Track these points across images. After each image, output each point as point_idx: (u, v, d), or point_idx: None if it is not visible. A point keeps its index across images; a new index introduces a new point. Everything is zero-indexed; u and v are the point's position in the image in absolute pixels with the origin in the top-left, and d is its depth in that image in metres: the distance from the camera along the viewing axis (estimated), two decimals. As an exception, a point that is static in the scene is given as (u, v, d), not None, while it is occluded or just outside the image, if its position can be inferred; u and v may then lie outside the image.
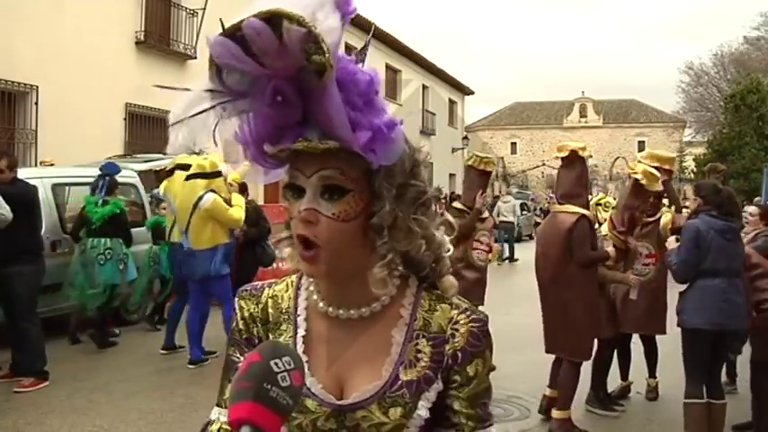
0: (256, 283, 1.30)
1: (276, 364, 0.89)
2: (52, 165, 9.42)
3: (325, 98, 1.00)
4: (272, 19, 0.96)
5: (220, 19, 1.02)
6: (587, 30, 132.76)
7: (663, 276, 5.66)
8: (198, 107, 1.06)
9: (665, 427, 5.08)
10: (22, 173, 8.15)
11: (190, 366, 6.52)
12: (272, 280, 1.30)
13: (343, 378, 1.17)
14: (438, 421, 1.19)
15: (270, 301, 1.24)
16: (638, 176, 5.08)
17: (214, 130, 1.08)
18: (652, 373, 5.78)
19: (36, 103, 12.13)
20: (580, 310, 4.71)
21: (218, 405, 1.24)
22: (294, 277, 1.26)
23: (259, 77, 1.01)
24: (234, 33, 0.99)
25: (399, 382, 1.15)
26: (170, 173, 6.73)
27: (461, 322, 1.17)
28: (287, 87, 1.01)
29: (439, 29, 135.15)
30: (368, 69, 1.07)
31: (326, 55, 0.96)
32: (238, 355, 1.23)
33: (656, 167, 5.36)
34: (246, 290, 1.28)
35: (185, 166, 6.51)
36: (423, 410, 1.14)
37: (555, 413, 4.78)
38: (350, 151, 1.03)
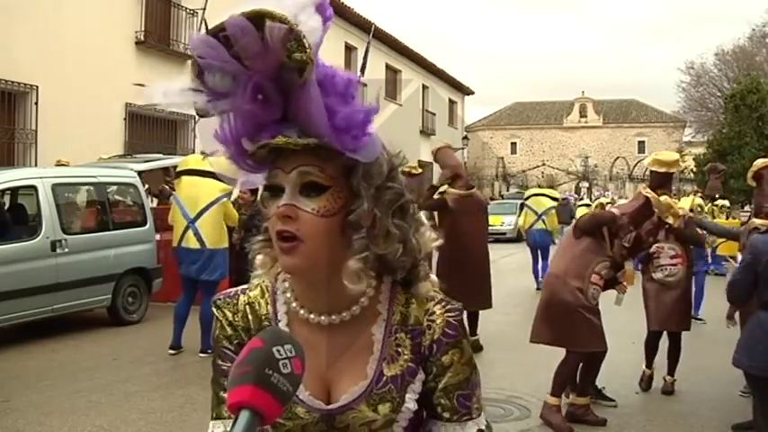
0: (229, 290, 1.28)
1: (278, 350, 0.89)
2: (68, 164, 9.47)
3: (305, 95, 1.02)
4: (255, 19, 0.98)
5: (204, 19, 1.03)
6: (574, 32, 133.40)
7: (689, 275, 5.82)
8: (177, 99, 1.08)
9: (665, 426, 5.07)
10: (22, 173, 8.19)
11: (202, 355, 6.68)
12: (245, 285, 1.27)
13: (329, 382, 1.18)
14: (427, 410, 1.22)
15: (247, 307, 1.23)
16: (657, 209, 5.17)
17: (194, 128, 1.10)
18: (671, 371, 5.81)
19: (36, 103, 12.15)
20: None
21: (216, 418, 1.20)
22: (268, 282, 1.24)
23: (240, 77, 1.03)
24: (216, 34, 1.01)
25: (384, 378, 1.16)
26: (177, 176, 6.82)
27: (437, 313, 1.18)
28: (268, 85, 1.03)
29: (422, 30, 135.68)
30: (347, 72, 1.10)
31: (307, 51, 0.99)
32: (228, 365, 1.19)
33: (663, 173, 5.55)
34: (220, 298, 1.26)
35: (195, 172, 6.63)
36: (410, 403, 1.16)
37: (551, 399, 4.88)
38: (328, 149, 1.06)
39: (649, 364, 5.89)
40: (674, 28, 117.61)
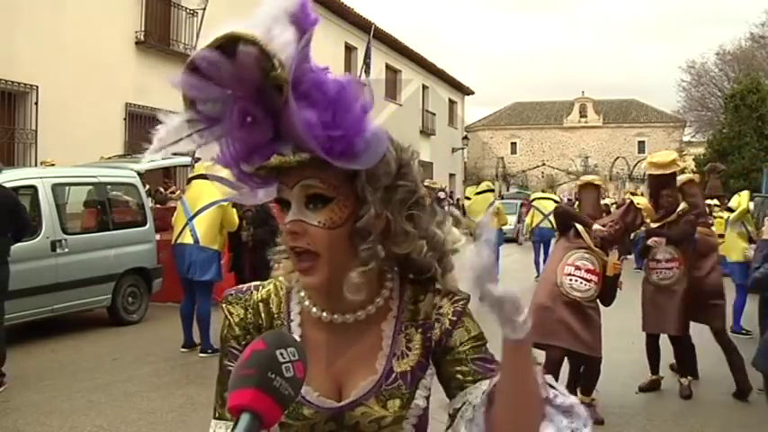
0: (241, 286, 1.26)
1: (281, 353, 0.88)
2: (53, 165, 9.44)
3: (289, 111, 1.01)
4: (226, 45, 0.97)
5: (187, 58, 1.03)
6: (574, 32, 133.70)
7: (688, 279, 5.63)
8: (177, 136, 1.07)
9: (665, 426, 5.07)
10: (22, 173, 8.18)
11: (201, 355, 6.76)
12: (258, 282, 1.26)
13: (340, 381, 1.17)
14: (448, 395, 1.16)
15: (261, 305, 1.22)
16: (641, 208, 5.12)
17: (194, 153, 1.12)
18: (683, 373, 5.74)
19: (36, 103, 12.15)
20: None
21: (219, 418, 1.17)
22: (283, 279, 1.23)
23: (228, 102, 1.03)
24: (197, 66, 1.00)
25: (394, 374, 1.16)
26: (188, 181, 6.95)
27: (446, 306, 1.19)
28: (253, 107, 1.02)
29: (421, 30, 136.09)
30: (341, 76, 1.07)
31: (278, 70, 0.98)
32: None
33: (659, 175, 5.56)
34: (232, 293, 1.23)
35: (204, 176, 6.71)
36: (420, 400, 1.16)
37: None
38: (326, 160, 1.03)
39: (654, 369, 5.80)
40: (674, 28, 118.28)
